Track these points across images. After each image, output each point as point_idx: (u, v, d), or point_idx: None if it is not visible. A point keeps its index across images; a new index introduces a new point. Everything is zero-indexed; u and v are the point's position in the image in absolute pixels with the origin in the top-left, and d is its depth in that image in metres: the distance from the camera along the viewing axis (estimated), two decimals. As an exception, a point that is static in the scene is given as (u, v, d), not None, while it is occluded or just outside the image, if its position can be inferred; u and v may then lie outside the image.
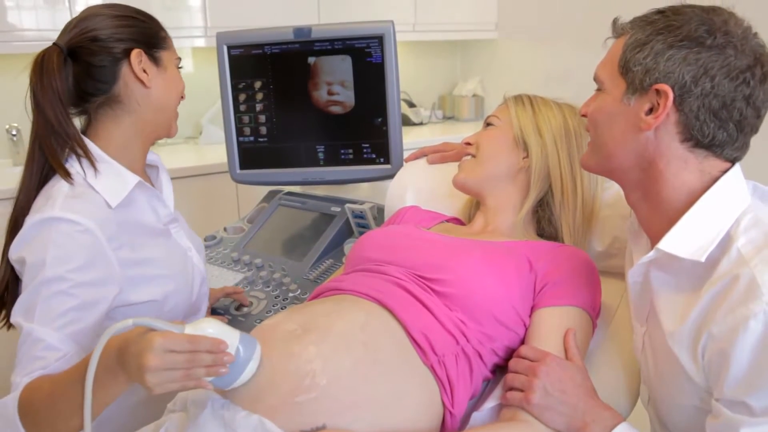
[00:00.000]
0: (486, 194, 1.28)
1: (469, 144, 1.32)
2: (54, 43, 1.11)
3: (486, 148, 1.28)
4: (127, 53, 1.12)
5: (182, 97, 1.23)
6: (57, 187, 1.07)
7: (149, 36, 1.16)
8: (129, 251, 1.10)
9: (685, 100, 0.84)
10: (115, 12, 1.15)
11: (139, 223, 1.16)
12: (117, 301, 1.09)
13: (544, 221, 1.28)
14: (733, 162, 0.88)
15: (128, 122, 1.15)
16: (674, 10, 0.87)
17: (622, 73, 0.89)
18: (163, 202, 1.24)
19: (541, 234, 1.28)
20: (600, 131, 0.94)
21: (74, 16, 1.15)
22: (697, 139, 0.85)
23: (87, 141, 1.13)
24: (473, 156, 1.30)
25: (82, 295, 1.01)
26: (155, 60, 1.16)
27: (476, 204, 1.36)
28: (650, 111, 0.86)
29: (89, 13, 1.14)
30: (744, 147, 0.88)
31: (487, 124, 1.32)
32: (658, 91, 0.85)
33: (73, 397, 0.88)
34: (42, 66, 1.08)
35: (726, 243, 0.84)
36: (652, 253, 0.89)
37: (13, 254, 1.05)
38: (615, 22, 0.93)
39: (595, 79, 0.95)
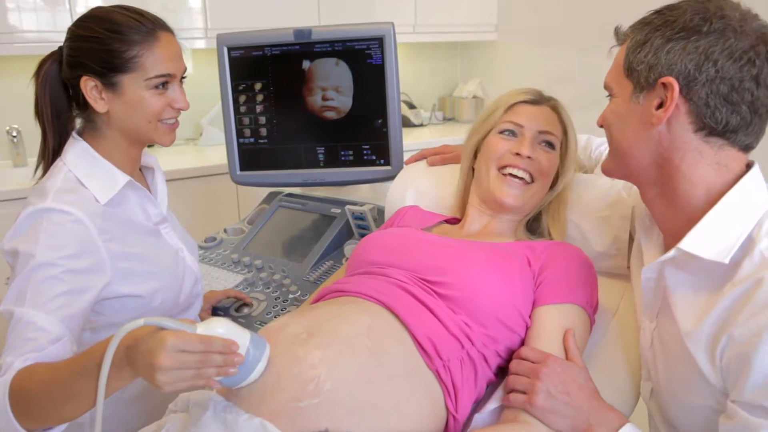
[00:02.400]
0: (524, 213, 1.28)
1: (530, 158, 1.21)
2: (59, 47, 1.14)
3: (549, 179, 1.25)
4: (79, 79, 1.11)
5: (180, 109, 1.17)
6: (50, 182, 1.10)
7: (108, 61, 1.10)
8: (119, 245, 1.12)
9: (692, 89, 0.84)
10: (83, 29, 1.11)
11: (129, 221, 1.17)
12: (106, 292, 1.10)
13: (533, 223, 1.30)
14: (746, 150, 0.88)
15: (103, 137, 1.17)
16: (669, 7, 0.88)
17: (628, 75, 0.90)
18: (154, 202, 1.25)
19: (530, 231, 1.30)
20: (614, 133, 0.94)
21: (74, 17, 1.16)
22: (710, 126, 0.85)
23: (80, 141, 1.16)
24: (531, 178, 1.22)
25: (72, 281, 1.03)
26: (112, 86, 1.11)
27: (469, 201, 1.35)
28: (660, 106, 0.87)
29: (75, 22, 1.14)
30: (760, 133, 0.87)
31: (549, 144, 1.24)
32: (664, 85, 0.85)
33: (69, 387, 0.88)
34: (38, 74, 1.14)
35: (748, 245, 0.84)
36: (672, 252, 0.88)
37: (6, 246, 1.06)
38: (617, 30, 0.94)
39: (605, 87, 0.96)
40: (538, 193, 1.24)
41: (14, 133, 2.50)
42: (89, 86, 1.11)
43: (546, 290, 1.09)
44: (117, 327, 0.83)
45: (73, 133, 1.17)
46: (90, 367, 0.85)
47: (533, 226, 1.31)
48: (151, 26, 1.13)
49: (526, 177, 1.22)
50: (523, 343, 1.07)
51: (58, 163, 1.14)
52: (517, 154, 1.21)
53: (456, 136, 3.18)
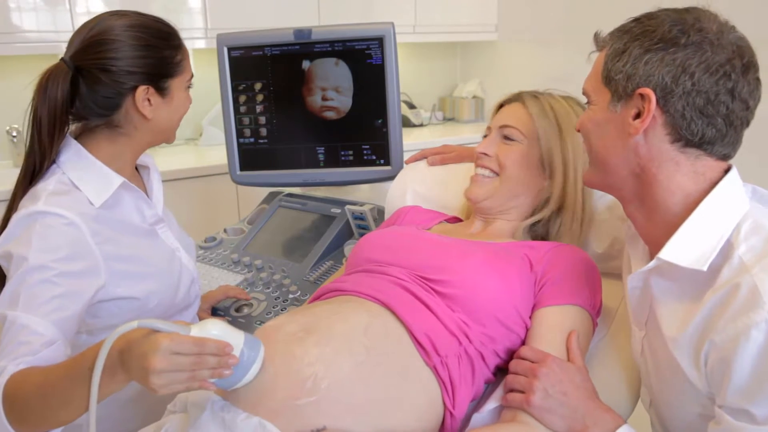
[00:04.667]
0: (499, 211, 1.26)
1: (486, 155, 1.24)
2: (63, 59, 1.10)
3: (512, 170, 1.22)
4: (134, 88, 1.11)
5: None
6: (41, 185, 1.09)
7: (162, 67, 1.13)
8: (113, 247, 1.12)
9: (669, 101, 0.84)
10: (133, 38, 1.10)
11: (124, 223, 1.17)
12: (101, 294, 1.09)
13: (540, 230, 1.27)
14: (724, 159, 0.88)
15: (123, 141, 1.17)
16: (648, 16, 0.88)
17: (606, 83, 0.90)
18: (149, 203, 1.24)
19: (535, 237, 1.29)
20: (592, 141, 0.95)
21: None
22: (686, 138, 0.85)
23: (73, 143, 1.14)
24: (495, 173, 1.24)
25: (66, 284, 1.02)
26: (162, 91, 1.14)
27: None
28: (637, 116, 0.87)
29: (106, 32, 1.10)
30: (736, 143, 0.88)
31: (507, 137, 1.24)
32: (642, 96, 0.85)
33: (63, 391, 0.88)
34: (46, 86, 1.08)
35: (727, 250, 0.84)
36: (653, 263, 0.89)
37: (0, 250, 1.05)
38: (596, 36, 0.94)
39: (583, 93, 0.97)
40: (501, 186, 1.23)
41: (14, 133, 2.50)
42: (142, 95, 1.12)
43: (549, 291, 1.09)
44: (113, 329, 0.83)
45: (67, 136, 1.15)
46: (83, 371, 0.85)
47: (538, 231, 1.28)
48: (176, 31, 1.19)
49: (486, 173, 1.25)
50: (523, 343, 1.08)
51: (51, 166, 1.12)
52: (480, 153, 1.26)
53: (456, 136, 3.18)
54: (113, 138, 1.16)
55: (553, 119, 1.22)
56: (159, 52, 1.13)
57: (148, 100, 1.13)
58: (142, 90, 1.11)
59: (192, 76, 1.21)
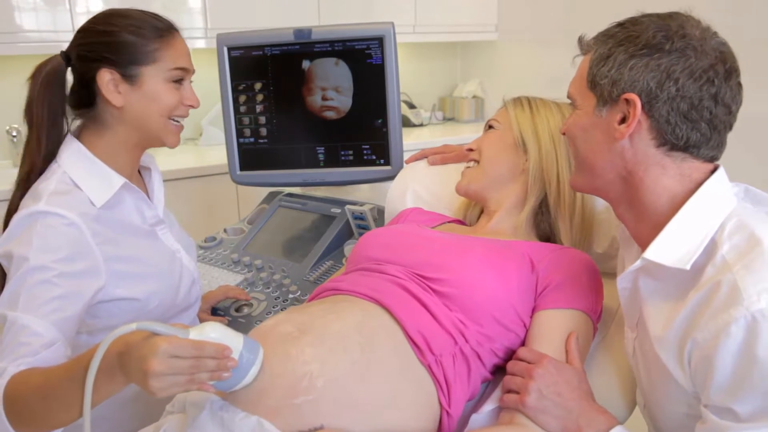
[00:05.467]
0: (488, 197, 1.28)
1: (471, 150, 1.32)
2: (61, 51, 1.14)
3: (487, 151, 1.28)
4: (96, 73, 1.11)
5: (191, 106, 1.20)
6: (43, 185, 1.09)
7: (125, 52, 1.11)
8: (113, 247, 1.12)
9: (654, 106, 0.85)
10: (107, 25, 1.12)
11: (125, 223, 1.17)
12: (101, 295, 1.09)
13: (544, 224, 1.27)
14: (711, 161, 0.89)
15: (109, 136, 1.16)
16: (632, 21, 0.89)
17: (591, 88, 0.91)
18: (150, 204, 1.24)
19: (543, 238, 1.28)
20: (578, 145, 0.95)
21: (74, 17, 1.16)
22: (672, 142, 0.86)
23: (75, 142, 1.15)
24: (477, 162, 1.30)
25: (66, 285, 1.02)
26: (129, 78, 1.12)
27: (476, 204, 1.37)
28: (623, 120, 0.87)
29: (91, 21, 1.14)
30: (721, 146, 0.89)
31: (488, 127, 1.32)
32: (627, 101, 0.86)
33: (63, 393, 0.88)
34: (35, 79, 1.12)
35: (711, 249, 0.85)
36: (638, 262, 0.90)
37: (0, 249, 1.05)
38: (580, 40, 0.95)
39: (568, 96, 0.97)
40: (482, 169, 1.29)
41: (14, 133, 2.50)
42: (106, 79, 1.11)
43: (550, 295, 1.09)
44: (114, 330, 0.83)
45: (69, 135, 1.16)
46: (81, 373, 0.85)
47: (543, 228, 1.28)
48: (168, 25, 1.17)
49: (471, 164, 1.33)
50: (523, 344, 1.07)
51: (53, 165, 1.13)
52: (466, 150, 1.34)
53: (456, 136, 3.18)
54: (100, 132, 1.16)
55: (526, 104, 1.29)
56: (126, 37, 1.11)
57: (116, 88, 1.12)
58: (104, 73, 1.11)
59: (178, 68, 1.16)
